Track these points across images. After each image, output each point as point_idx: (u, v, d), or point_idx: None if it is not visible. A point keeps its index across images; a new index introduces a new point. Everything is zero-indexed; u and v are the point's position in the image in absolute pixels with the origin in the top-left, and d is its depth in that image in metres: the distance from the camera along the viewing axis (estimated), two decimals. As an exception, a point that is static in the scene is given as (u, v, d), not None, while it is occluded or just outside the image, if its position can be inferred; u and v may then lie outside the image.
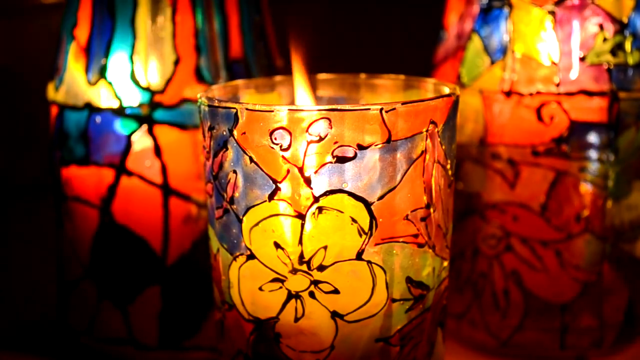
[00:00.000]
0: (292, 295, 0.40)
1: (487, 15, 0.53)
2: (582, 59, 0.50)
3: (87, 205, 0.51)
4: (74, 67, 0.52)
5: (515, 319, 0.53)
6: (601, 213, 0.51)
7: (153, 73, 0.50)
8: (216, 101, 0.41)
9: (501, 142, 0.52)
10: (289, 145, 0.39)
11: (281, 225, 0.40)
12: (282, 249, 0.40)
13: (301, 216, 0.39)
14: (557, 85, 0.50)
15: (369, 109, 0.39)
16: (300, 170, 0.39)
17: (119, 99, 0.51)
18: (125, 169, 0.51)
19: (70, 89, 0.52)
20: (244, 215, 0.40)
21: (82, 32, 0.52)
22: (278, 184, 0.39)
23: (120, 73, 0.51)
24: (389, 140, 0.39)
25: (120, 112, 0.51)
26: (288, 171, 0.39)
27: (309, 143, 0.39)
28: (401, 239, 0.40)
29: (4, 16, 0.84)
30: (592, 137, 0.51)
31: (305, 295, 0.40)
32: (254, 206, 0.40)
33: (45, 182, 0.62)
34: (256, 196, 0.40)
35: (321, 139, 0.39)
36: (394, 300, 0.41)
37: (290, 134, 0.39)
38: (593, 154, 0.51)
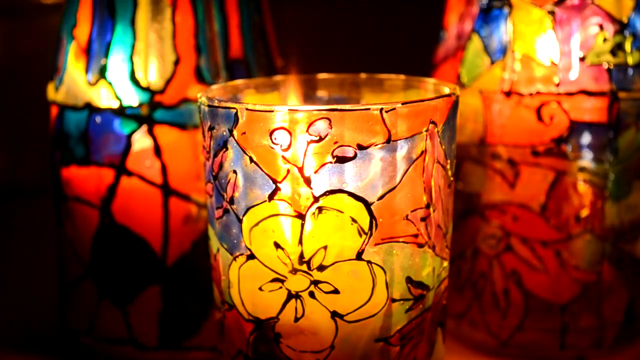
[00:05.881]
0: (292, 295, 0.40)
1: (487, 15, 0.53)
2: (582, 59, 0.50)
3: (87, 205, 0.51)
4: (74, 67, 0.52)
5: (515, 319, 0.53)
6: (601, 213, 0.51)
7: (153, 73, 0.50)
8: (216, 101, 0.41)
9: (501, 142, 0.52)
10: (289, 145, 0.39)
11: (281, 225, 0.40)
12: (282, 249, 0.40)
13: (301, 216, 0.39)
14: (557, 85, 0.50)
15: (369, 109, 0.39)
16: (300, 170, 0.39)
17: (119, 99, 0.51)
18: (125, 169, 0.51)
19: (70, 89, 0.52)
20: (244, 215, 0.40)
21: (82, 32, 0.52)
22: (278, 184, 0.39)
23: (120, 73, 0.51)
24: (389, 140, 0.39)
25: (120, 112, 0.51)
26: (288, 171, 0.39)
27: (309, 143, 0.39)
28: (401, 239, 0.40)
29: (4, 16, 0.84)
30: (592, 137, 0.50)
31: (305, 295, 0.40)
32: (254, 206, 0.40)
33: (45, 182, 0.62)
34: (256, 196, 0.40)
35: (321, 139, 0.39)
36: (394, 300, 0.41)
37: (290, 134, 0.39)
38: (593, 154, 0.51)
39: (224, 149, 0.41)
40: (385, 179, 0.39)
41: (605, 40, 0.50)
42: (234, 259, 0.41)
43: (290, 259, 0.40)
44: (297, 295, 0.40)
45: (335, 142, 0.39)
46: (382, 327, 0.41)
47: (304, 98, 0.48)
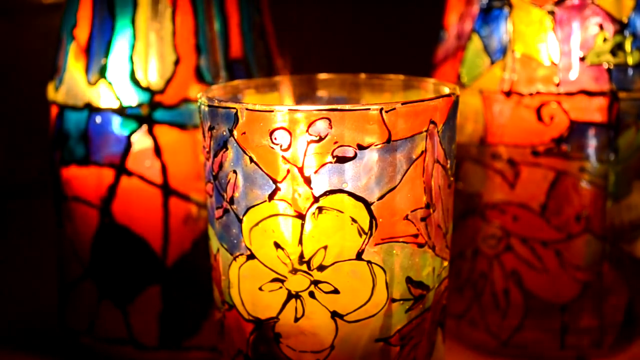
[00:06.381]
0: (292, 295, 0.40)
1: (487, 15, 0.53)
2: (582, 59, 0.50)
3: (87, 205, 0.51)
4: (74, 67, 0.52)
5: (515, 319, 0.53)
6: (601, 213, 0.51)
7: (153, 73, 0.50)
8: (216, 101, 0.41)
9: (501, 142, 0.52)
10: (289, 145, 0.39)
11: (281, 225, 0.40)
12: (282, 249, 0.40)
13: (301, 216, 0.39)
14: (557, 85, 0.50)
15: (369, 109, 0.39)
16: (300, 170, 0.39)
17: (119, 99, 0.51)
18: (125, 169, 0.51)
19: (70, 89, 0.52)
20: (244, 215, 0.40)
21: (82, 32, 0.52)
22: (278, 184, 0.39)
23: (120, 73, 0.51)
24: (389, 140, 0.39)
25: (120, 112, 0.51)
26: (288, 171, 0.39)
27: (309, 143, 0.39)
28: (401, 239, 0.40)
29: (4, 16, 0.84)
30: (592, 137, 0.51)
31: (305, 295, 0.40)
32: (254, 206, 0.40)
33: (45, 182, 0.62)
34: (256, 196, 0.40)
35: (321, 139, 0.39)
36: (394, 300, 0.41)
37: (290, 134, 0.39)
38: (593, 154, 0.51)
39: (224, 149, 0.41)
40: (385, 179, 0.39)
41: (605, 40, 0.50)
42: (234, 259, 0.41)
43: (290, 259, 0.40)
44: (297, 295, 0.40)
45: (335, 142, 0.39)
46: (382, 327, 0.41)
47: (303, 98, 0.48)
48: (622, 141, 0.51)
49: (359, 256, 0.40)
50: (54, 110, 0.53)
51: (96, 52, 0.51)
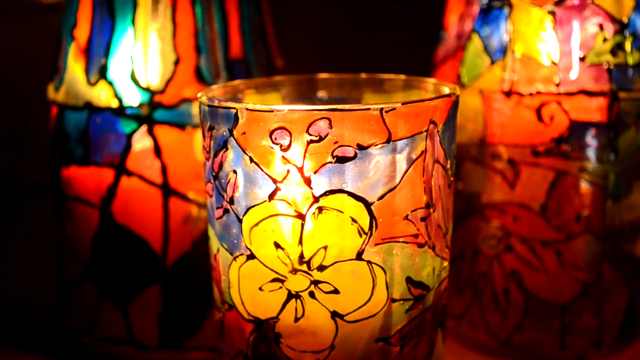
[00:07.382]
0: (292, 295, 0.40)
1: (487, 15, 0.53)
2: (582, 59, 0.50)
3: (87, 205, 0.51)
4: (74, 67, 0.52)
5: (515, 319, 0.53)
6: (601, 213, 0.51)
7: (153, 73, 0.50)
8: (216, 101, 0.41)
9: (501, 142, 0.52)
10: (289, 145, 0.39)
11: (281, 225, 0.40)
12: (282, 249, 0.40)
13: (301, 216, 0.39)
14: (557, 85, 0.50)
15: (369, 109, 0.39)
16: (300, 170, 0.39)
17: (119, 99, 0.51)
18: (125, 169, 0.51)
19: (70, 89, 0.52)
20: (244, 215, 0.40)
21: (82, 32, 0.52)
22: (278, 184, 0.39)
23: (120, 73, 0.51)
24: (389, 140, 0.39)
25: (120, 112, 0.51)
26: (288, 171, 0.39)
27: (308, 143, 0.39)
28: (401, 239, 0.40)
29: (4, 16, 0.84)
30: (592, 137, 0.51)
31: (305, 295, 0.40)
32: (254, 206, 0.40)
33: (45, 182, 0.62)
34: (256, 196, 0.40)
35: (321, 138, 0.39)
36: (394, 300, 0.41)
37: (290, 134, 0.39)
38: (593, 154, 0.51)
39: (224, 149, 0.41)
40: (385, 179, 0.39)
41: (605, 40, 0.50)
42: (234, 259, 0.41)
43: (290, 259, 0.40)
44: (297, 295, 0.40)
45: (335, 142, 0.39)
46: (382, 327, 0.41)
47: (303, 98, 0.48)
48: (622, 141, 0.51)
49: (359, 256, 0.40)
50: (54, 110, 0.53)
51: (96, 52, 0.51)
